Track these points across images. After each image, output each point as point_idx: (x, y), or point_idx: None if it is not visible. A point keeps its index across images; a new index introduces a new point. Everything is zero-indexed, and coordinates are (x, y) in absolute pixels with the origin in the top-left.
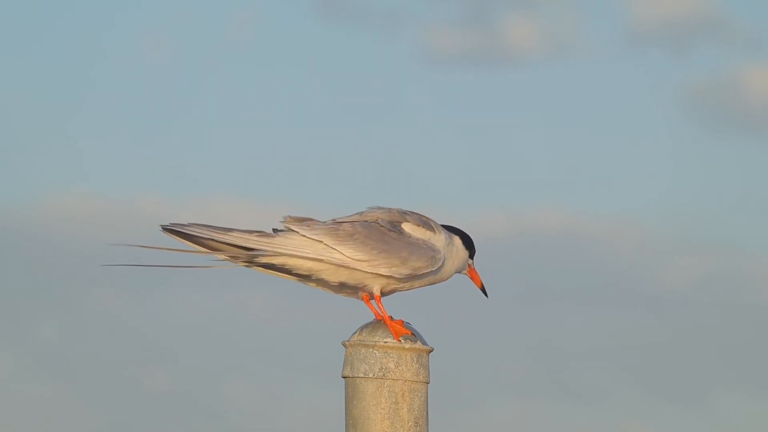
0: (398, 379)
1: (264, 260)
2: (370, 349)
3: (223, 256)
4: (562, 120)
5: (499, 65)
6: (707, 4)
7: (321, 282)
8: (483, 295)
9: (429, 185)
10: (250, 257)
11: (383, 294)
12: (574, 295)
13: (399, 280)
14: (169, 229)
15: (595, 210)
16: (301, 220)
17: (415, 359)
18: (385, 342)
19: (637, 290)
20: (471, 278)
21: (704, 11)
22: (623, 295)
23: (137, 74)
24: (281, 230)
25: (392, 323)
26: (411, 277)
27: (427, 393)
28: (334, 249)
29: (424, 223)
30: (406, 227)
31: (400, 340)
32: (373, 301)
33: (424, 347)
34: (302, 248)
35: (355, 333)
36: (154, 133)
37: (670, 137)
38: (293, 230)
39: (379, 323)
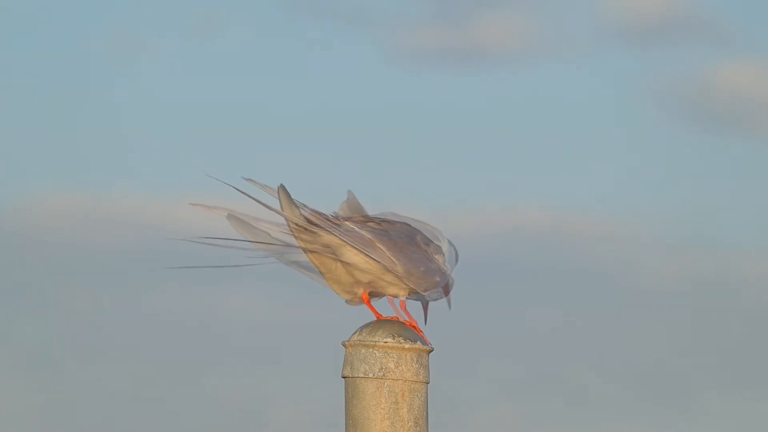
0: (398, 379)
1: (325, 240)
2: (370, 349)
3: (296, 219)
4: (538, 118)
5: (468, 63)
6: (678, 1)
7: (344, 275)
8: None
9: (405, 185)
10: (314, 237)
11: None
12: (565, 295)
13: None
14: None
15: (584, 209)
16: (354, 209)
17: (415, 359)
18: (385, 342)
19: (628, 290)
20: None
21: (675, 8)
22: (615, 295)
23: (137, 74)
24: (339, 216)
25: (418, 328)
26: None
27: (427, 393)
28: (392, 259)
29: (437, 248)
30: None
31: (431, 346)
32: (373, 302)
33: (424, 347)
34: (365, 247)
35: (355, 333)
36: (153, 132)
37: (649, 135)
38: (354, 227)
39: (379, 323)
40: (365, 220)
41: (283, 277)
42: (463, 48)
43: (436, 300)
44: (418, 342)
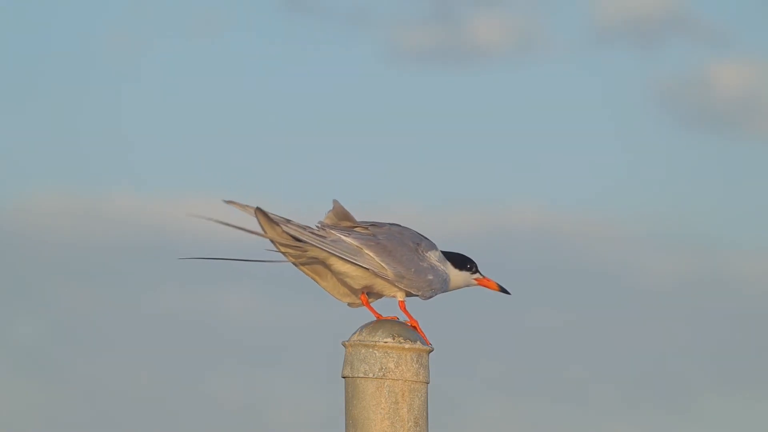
0: (398, 379)
1: (312, 254)
2: (370, 349)
3: (280, 239)
4: (537, 118)
5: (466, 63)
6: (677, 2)
7: (339, 281)
8: (506, 293)
9: (405, 185)
10: (300, 252)
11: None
12: (565, 295)
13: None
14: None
15: (584, 209)
16: (341, 216)
17: (415, 359)
18: (385, 342)
19: (628, 290)
20: (485, 286)
21: (671, 7)
22: (614, 295)
23: (137, 74)
24: (325, 226)
25: (419, 328)
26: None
27: (427, 393)
28: (381, 264)
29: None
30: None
31: (431, 346)
32: (372, 303)
33: (424, 347)
34: (353, 255)
35: (355, 333)
36: (153, 133)
37: (648, 135)
38: (341, 235)
39: (379, 323)
40: (352, 225)
41: (283, 278)
42: (462, 48)
43: (429, 298)
44: (418, 342)
